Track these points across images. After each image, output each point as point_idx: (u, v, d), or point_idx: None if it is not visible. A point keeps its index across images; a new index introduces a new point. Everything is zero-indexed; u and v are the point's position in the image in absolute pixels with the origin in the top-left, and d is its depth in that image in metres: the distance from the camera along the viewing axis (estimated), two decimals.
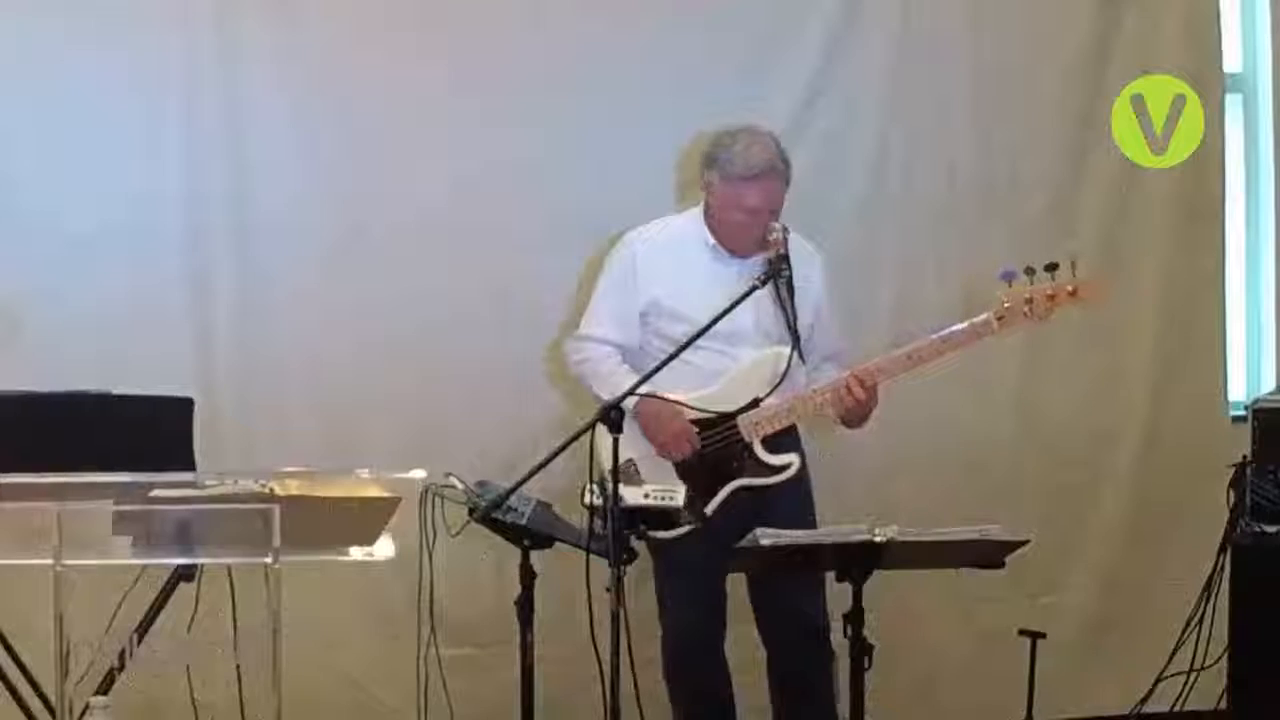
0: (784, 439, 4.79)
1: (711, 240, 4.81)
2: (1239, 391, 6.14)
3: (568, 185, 5.48)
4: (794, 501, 4.76)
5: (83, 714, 3.97)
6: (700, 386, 4.72)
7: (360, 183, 5.38)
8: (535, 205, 5.47)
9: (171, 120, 5.27)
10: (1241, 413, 5.79)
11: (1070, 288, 4.70)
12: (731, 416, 4.73)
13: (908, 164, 5.75)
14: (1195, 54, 5.92)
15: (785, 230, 4.72)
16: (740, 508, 4.67)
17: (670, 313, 4.74)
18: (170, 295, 5.29)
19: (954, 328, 4.74)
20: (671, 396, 4.66)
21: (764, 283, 4.59)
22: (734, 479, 4.74)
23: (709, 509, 4.70)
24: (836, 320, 4.99)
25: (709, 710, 4.90)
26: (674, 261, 4.82)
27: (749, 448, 4.75)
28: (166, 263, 5.29)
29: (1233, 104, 6.09)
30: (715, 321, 4.51)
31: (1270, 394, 5.73)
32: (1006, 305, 4.70)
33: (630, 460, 4.74)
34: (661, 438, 4.73)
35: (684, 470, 4.74)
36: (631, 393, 4.38)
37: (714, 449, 4.73)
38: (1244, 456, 5.47)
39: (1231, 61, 6.09)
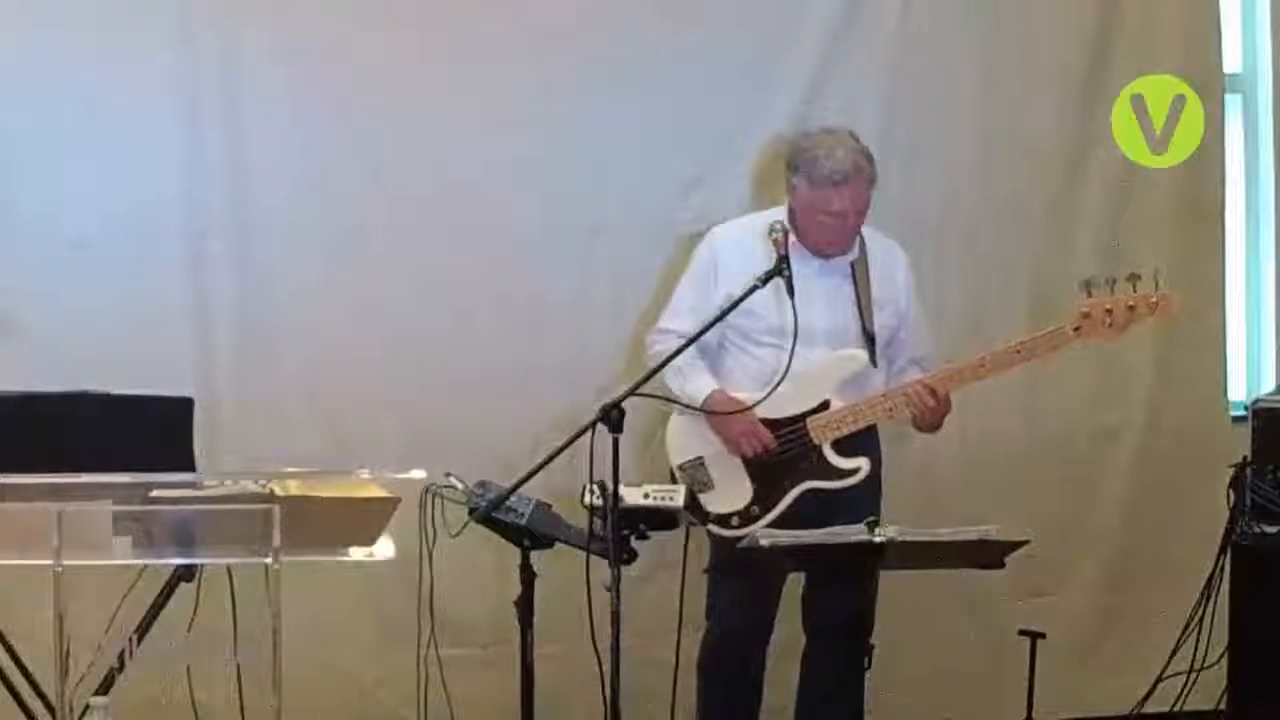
0: (860, 441, 4.80)
1: (793, 239, 4.80)
2: (1239, 391, 6.14)
3: (568, 185, 5.48)
4: (861, 506, 4.69)
5: (83, 714, 3.97)
6: (767, 385, 4.72)
7: (360, 183, 5.38)
8: (535, 205, 5.47)
9: (171, 120, 5.27)
10: (1241, 413, 5.79)
11: (1153, 300, 4.67)
12: (802, 418, 4.73)
13: (908, 164, 5.74)
14: (1195, 54, 5.91)
15: (784, 230, 4.73)
16: (809, 510, 4.68)
17: (747, 310, 4.70)
18: (170, 295, 5.29)
19: (1030, 336, 4.74)
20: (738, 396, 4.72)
21: (764, 282, 4.59)
22: (803, 481, 4.75)
23: (777, 511, 4.72)
24: (927, 324, 5.02)
25: (734, 709, 4.92)
26: (754, 259, 4.79)
27: (818, 450, 4.75)
28: (166, 263, 5.29)
29: (1233, 104, 6.09)
30: (720, 318, 4.58)
31: (1270, 394, 5.72)
32: (1085, 315, 4.68)
33: (699, 458, 4.77)
34: (732, 431, 4.74)
35: (754, 471, 4.76)
36: (632, 393, 4.38)
37: (784, 450, 4.74)
38: (1244, 456, 5.47)
39: (1231, 61, 6.08)
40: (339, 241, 5.38)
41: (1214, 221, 6.02)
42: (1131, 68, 5.86)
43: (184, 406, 4.61)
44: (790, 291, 4.65)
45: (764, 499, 4.75)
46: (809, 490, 4.75)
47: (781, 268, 4.63)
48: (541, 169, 5.46)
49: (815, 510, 4.67)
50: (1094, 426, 5.93)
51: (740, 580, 4.79)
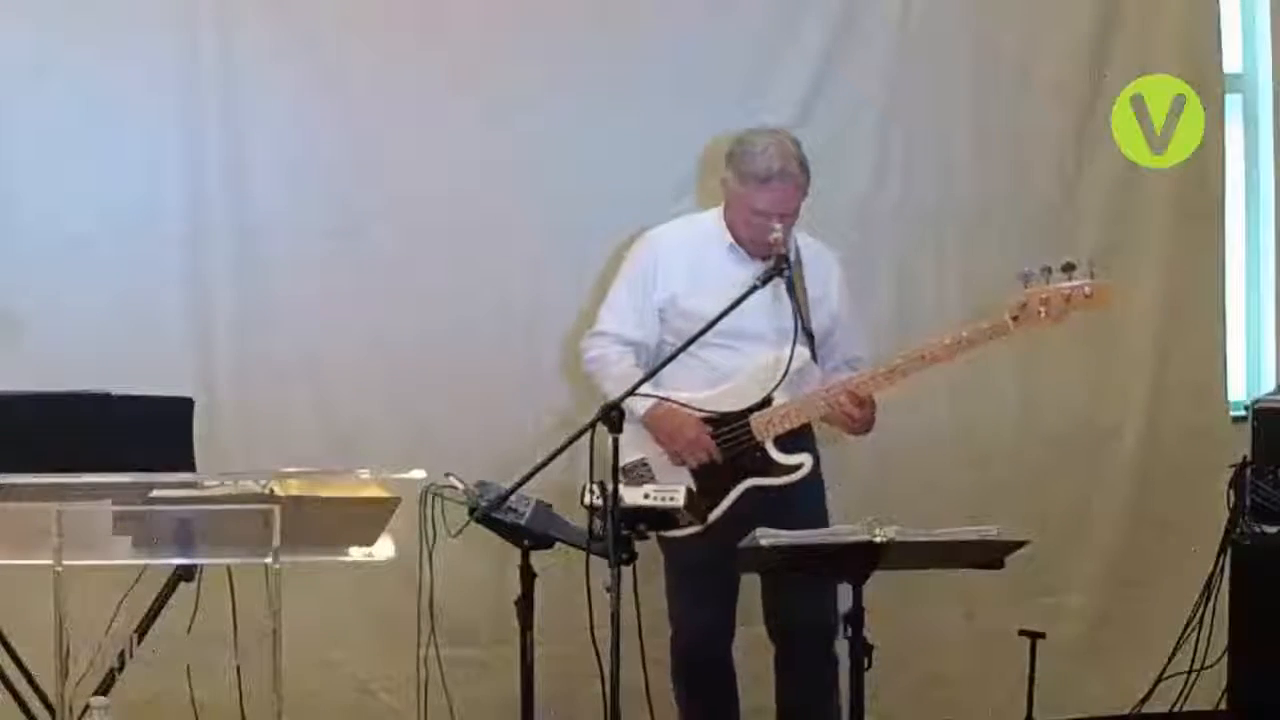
0: (799, 439, 4.78)
1: (730, 240, 4.81)
2: (1239, 391, 6.14)
3: (567, 186, 5.48)
4: (808, 502, 4.75)
5: (83, 714, 3.97)
6: (713, 385, 4.73)
7: (360, 183, 5.38)
8: (535, 205, 5.47)
9: (171, 120, 5.27)
10: (1241, 413, 5.79)
11: (1086, 289, 4.67)
12: (743, 415, 4.73)
13: (908, 164, 5.75)
14: (1195, 54, 5.92)
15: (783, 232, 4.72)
16: (753, 507, 4.66)
17: (687, 311, 4.72)
18: (170, 295, 5.29)
19: (968, 329, 4.73)
20: (679, 398, 4.68)
21: (764, 283, 4.59)
22: (746, 478, 4.73)
23: (721, 508, 4.70)
24: (859, 324, 5.01)
25: (713, 711, 4.91)
26: (693, 260, 4.81)
27: (760, 447, 4.75)
28: (166, 263, 5.28)
29: (1233, 104, 6.09)
30: (717, 321, 4.52)
31: (1270, 394, 5.73)
32: (1022, 304, 4.68)
33: (643, 459, 4.75)
34: (676, 445, 4.73)
35: (697, 470, 4.74)
36: (632, 393, 4.38)
37: (726, 448, 4.73)
38: (1244, 456, 5.47)
39: (1231, 61, 6.08)
40: (339, 241, 5.38)
41: (1214, 221, 6.02)
42: (1131, 68, 5.86)
43: (184, 406, 4.61)
44: (790, 292, 4.64)
45: (708, 497, 4.70)
46: (752, 487, 4.74)
47: (782, 268, 4.62)
48: (541, 169, 5.46)
49: (758, 507, 4.64)
50: (1094, 426, 5.93)
51: (695, 582, 4.79)
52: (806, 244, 4.89)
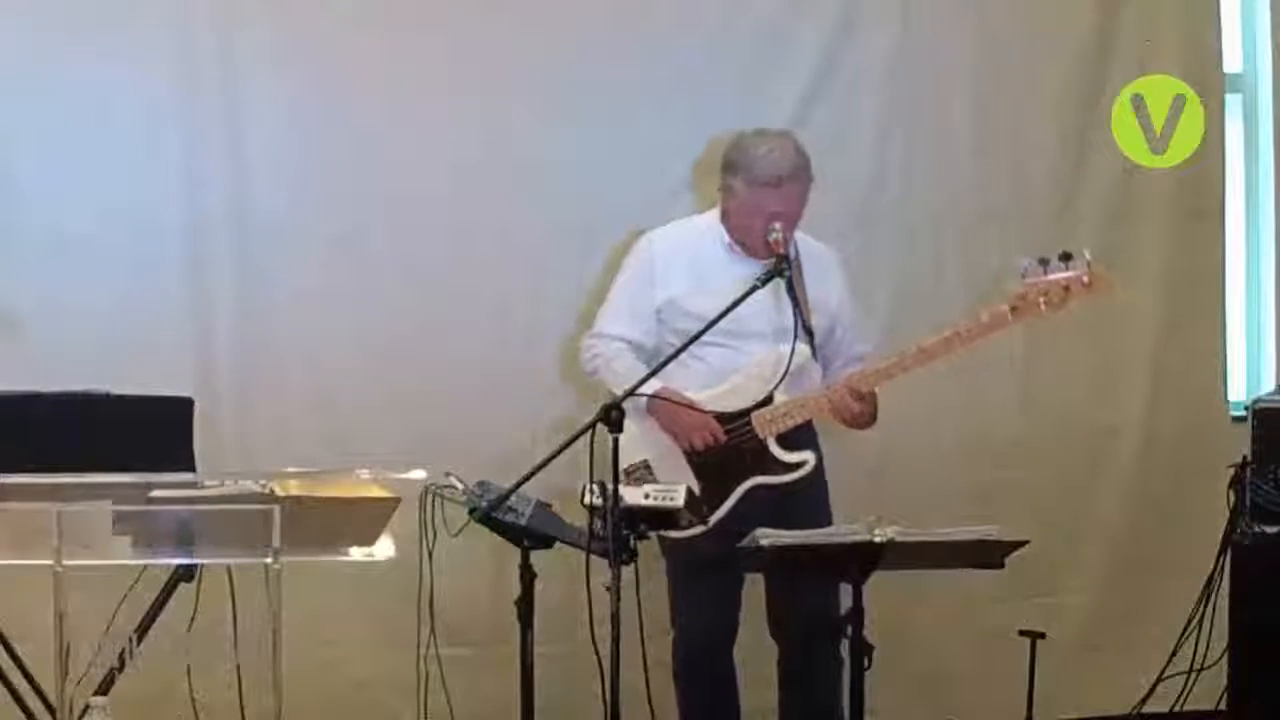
0: (800, 436, 4.78)
1: (729, 240, 4.81)
2: (1239, 391, 6.14)
3: (568, 185, 5.48)
4: (811, 500, 4.75)
5: (83, 714, 3.97)
6: (713, 384, 4.73)
7: (360, 183, 5.38)
8: (535, 205, 5.47)
9: (171, 120, 5.27)
10: (1241, 413, 5.79)
11: (1085, 278, 4.63)
12: (746, 414, 4.73)
13: (908, 164, 5.75)
14: (1195, 54, 5.92)
15: (782, 231, 4.72)
16: (757, 506, 4.67)
17: (687, 312, 4.72)
18: (170, 295, 5.29)
19: (965, 324, 4.70)
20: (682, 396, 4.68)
21: (764, 283, 4.59)
22: (749, 476, 4.73)
23: (724, 508, 4.70)
24: (860, 321, 5.01)
25: (714, 711, 4.90)
26: (692, 260, 4.81)
27: (764, 445, 4.75)
28: (166, 263, 5.29)
29: (1233, 104, 6.09)
30: (717, 320, 4.52)
31: (1270, 394, 5.72)
32: (1021, 295, 4.66)
33: (645, 461, 4.75)
34: (679, 429, 4.73)
35: (700, 468, 4.74)
36: (633, 392, 4.38)
37: (729, 446, 4.73)
38: (1244, 456, 5.47)
39: (1231, 61, 6.09)
40: (339, 241, 5.38)
41: (1214, 221, 6.03)
42: (1131, 68, 5.86)
43: (184, 406, 4.61)
44: (790, 291, 4.64)
45: (712, 497, 4.72)
46: (756, 486, 4.74)
47: (782, 268, 4.62)
48: (541, 169, 5.46)
49: (761, 506, 4.65)
50: (1094, 426, 5.93)
51: (699, 582, 4.79)
52: (805, 243, 4.89)
